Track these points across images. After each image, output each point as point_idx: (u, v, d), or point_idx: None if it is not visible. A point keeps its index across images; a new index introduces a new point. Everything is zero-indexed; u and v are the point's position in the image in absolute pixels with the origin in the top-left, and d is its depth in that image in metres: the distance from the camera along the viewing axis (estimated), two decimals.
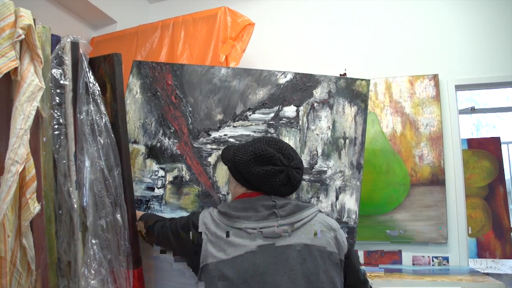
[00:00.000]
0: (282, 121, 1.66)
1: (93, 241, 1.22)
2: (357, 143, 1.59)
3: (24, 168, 1.17)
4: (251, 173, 1.23)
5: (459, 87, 2.21)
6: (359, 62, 2.32)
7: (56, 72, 1.28)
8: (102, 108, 1.29)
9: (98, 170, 1.25)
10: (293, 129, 1.65)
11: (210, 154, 1.67)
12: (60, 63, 1.29)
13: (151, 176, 1.66)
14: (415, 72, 2.19)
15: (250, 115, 1.68)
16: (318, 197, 1.59)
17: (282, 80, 1.68)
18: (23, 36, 1.20)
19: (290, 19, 2.60)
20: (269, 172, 1.21)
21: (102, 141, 1.26)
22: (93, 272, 1.20)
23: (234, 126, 1.67)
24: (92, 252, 1.21)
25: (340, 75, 2.27)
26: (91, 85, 1.30)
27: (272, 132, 1.66)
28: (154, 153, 1.67)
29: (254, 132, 1.66)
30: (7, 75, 1.17)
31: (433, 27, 2.27)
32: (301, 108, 1.65)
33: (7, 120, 1.18)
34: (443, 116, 2.13)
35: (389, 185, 2.12)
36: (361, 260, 2.13)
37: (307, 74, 1.69)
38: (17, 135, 1.16)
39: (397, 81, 2.20)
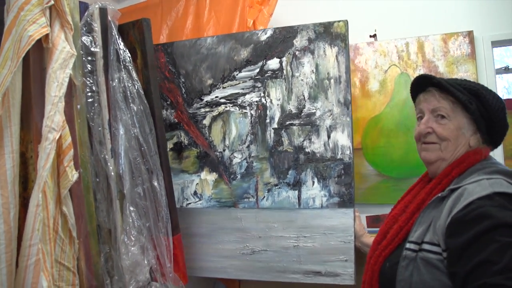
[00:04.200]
0: (267, 74, 1.72)
1: (131, 209, 1.22)
2: (341, 81, 1.64)
3: (60, 136, 1.17)
4: (503, 124, 1.13)
5: (495, 43, 2.10)
6: (390, 22, 2.23)
7: (86, 39, 1.26)
8: (134, 74, 1.28)
9: (133, 137, 1.24)
10: (278, 79, 1.71)
11: (204, 117, 1.77)
12: (90, 30, 1.28)
13: None
14: (448, 30, 2.10)
15: (237, 74, 1.75)
16: (310, 139, 1.66)
17: (263, 37, 1.74)
18: (52, 2, 1.19)
19: None
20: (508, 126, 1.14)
21: (135, 108, 1.25)
22: (133, 239, 1.20)
23: (223, 87, 1.75)
24: (130, 220, 1.21)
25: (370, 36, 2.20)
26: (121, 51, 1.28)
27: (259, 86, 1.73)
28: None
29: (243, 89, 1.74)
30: (39, 43, 1.16)
31: None
32: (284, 58, 1.71)
33: (41, 88, 1.17)
34: (479, 75, 2.03)
35: None
36: None
37: (286, 27, 1.74)
38: (52, 102, 1.16)
39: (429, 40, 2.11)
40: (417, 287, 0.99)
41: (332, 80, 1.67)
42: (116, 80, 1.25)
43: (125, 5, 2.64)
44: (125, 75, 1.27)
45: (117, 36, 1.28)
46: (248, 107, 1.74)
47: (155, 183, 1.26)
